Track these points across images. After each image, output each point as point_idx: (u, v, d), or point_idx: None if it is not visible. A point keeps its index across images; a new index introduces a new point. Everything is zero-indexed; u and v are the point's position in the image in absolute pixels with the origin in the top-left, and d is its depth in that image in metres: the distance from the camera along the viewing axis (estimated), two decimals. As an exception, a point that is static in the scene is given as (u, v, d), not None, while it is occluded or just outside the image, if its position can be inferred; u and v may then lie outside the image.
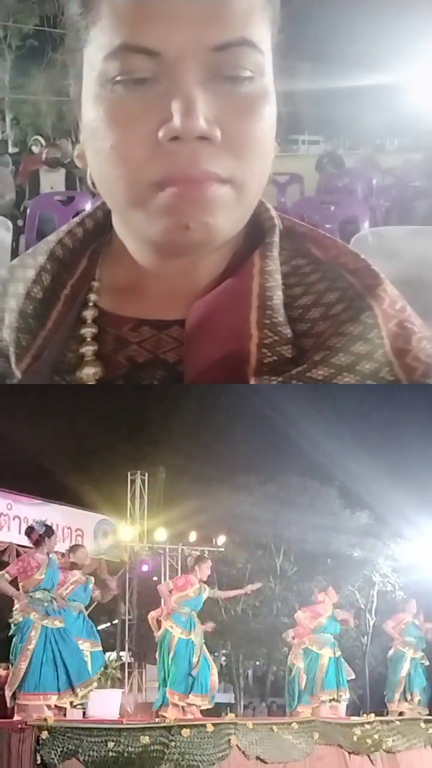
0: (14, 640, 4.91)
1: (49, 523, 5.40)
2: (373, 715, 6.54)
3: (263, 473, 10.31)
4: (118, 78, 1.20)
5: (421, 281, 3.27)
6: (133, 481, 9.45)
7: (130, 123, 1.20)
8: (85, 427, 9.75)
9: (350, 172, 12.08)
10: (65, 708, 5.02)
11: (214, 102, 1.19)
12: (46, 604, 4.99)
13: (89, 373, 1.35)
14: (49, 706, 4.85)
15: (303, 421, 8.95)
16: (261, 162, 1.26)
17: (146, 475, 9.50)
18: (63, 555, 5.92)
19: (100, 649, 5.88)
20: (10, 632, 4.97)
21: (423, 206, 8.51)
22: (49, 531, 5.23)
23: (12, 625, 4.96)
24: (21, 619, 4.93)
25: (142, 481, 9.45)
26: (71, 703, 5.02)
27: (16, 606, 4.98)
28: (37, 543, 5.14)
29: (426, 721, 6.71)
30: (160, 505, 9.43)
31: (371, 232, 4.26)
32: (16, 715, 4.74)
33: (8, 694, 4.84)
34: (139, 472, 9.48)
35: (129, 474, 9.47)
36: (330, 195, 9.75)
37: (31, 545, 5.21)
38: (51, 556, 5.14)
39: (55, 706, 4.90)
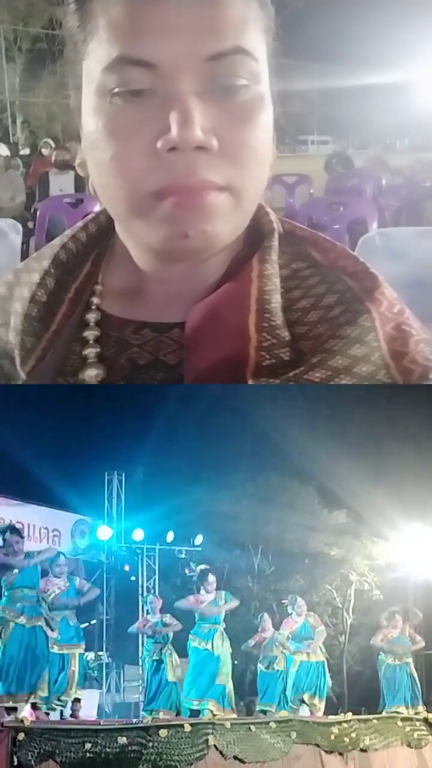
0: None
1: (19, 525, 5.44)
2: (350, 713, 6.56)
3: (242, 472, 10.32)
4: (116, 90, 1.22)
5: (428, 282, 3.29)
6: (110, 481, 9.44)
7: (129, 134, 1.22)
8: (61, 428, 9.71)
9: (359, 172, 12.11)
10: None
11: (210, 111, 1.21)
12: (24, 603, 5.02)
13: (91, 375, 1.37)
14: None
15: (282, 420, 8.97)
16: (258, 168, 1.29)
17: (123, 474, 9.50)
18: None
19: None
20: None
21: (433, 207, 8.53)
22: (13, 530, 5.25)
23: None
24: None
25: (120, 481, 9.44)
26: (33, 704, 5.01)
27: None
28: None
29: (403, 719, 6.74)
30: (137, 504, 9.42)
31: (378, 233, 4.28)
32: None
33: None
34: (116, 471, 9.47)
35: (106, 474, 9.46)
36: (339, 195, 9.76)
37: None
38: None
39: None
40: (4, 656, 4.90)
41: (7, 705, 4.78)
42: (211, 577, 6.30)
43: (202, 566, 6.58)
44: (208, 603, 6.17)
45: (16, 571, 5.07)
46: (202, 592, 6.25)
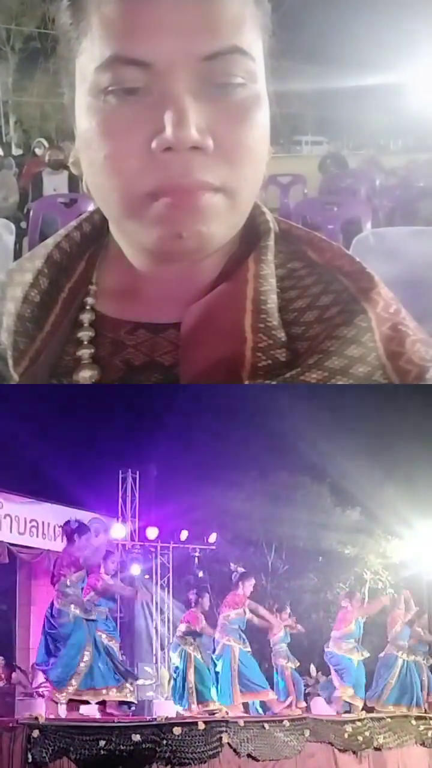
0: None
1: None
2: (364, 712, 6.56)
3: (255, 470, 10.30)
4: (110, 88, 1.21)
5: (422, 282, 3.28)
6: (124, 479, 9.42)
7: (123, 134, 1.21)
8: (76, 426, 9.74)
9: (353, 172, 12.11)
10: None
11: (205, 111, 1.20)
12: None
13: (86, 376, 1.35)
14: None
15: (295, 419, 8.95)
16: (254, 168, 1.27)
17: (137, 473, 9.48)
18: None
19: None
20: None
21: (427, 207, 8.52)
22: (81, 528, 5.48)
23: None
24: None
25: (134, 479, 9.43)
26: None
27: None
28: (70, 539, 5.38)
29: (417, 718, 6.73)
30: (151, 503, 9.41)
31: (372, 233, 4.28)
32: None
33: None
34: (130, 470, 9.46)
35: (120, 472, 9.45)
36: (333, 196, 9.76)
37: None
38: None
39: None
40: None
41: None
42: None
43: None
44: None
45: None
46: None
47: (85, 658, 5.27)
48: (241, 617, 6.45)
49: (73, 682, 5.21)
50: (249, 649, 6.41)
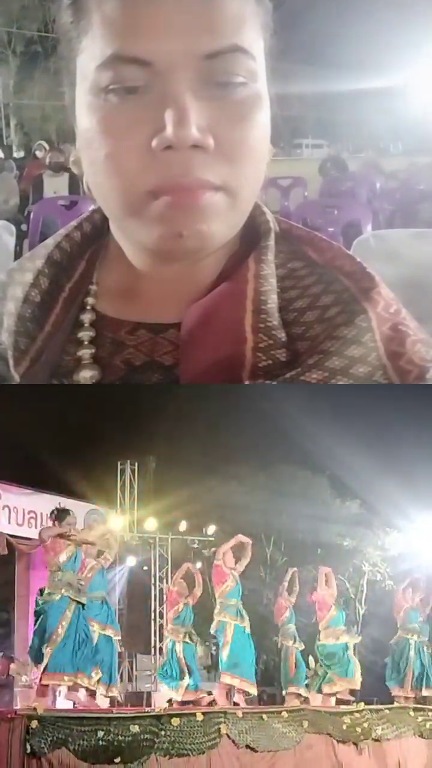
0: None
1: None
2: (362, 703, 6.56)
3: (254, 463, 10.32)
4: (111, 87, 1.21)
5: (422, 284, 3.28)
6: (123, 471, 9.44)
7: (124, 132, 1.21)
8: (75, 419, 9.73)
9: (353, 175, 12.09)
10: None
11: (206, 109, 1.20)
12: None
13: (86, 376, 1.35)
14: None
15: (295, 412, 8.95)
16: (255, 168, 1.27)
17: (136, 464, 9.50)
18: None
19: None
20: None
21: (427, 209, 8.51)
22: (61, 514, 5.45)
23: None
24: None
25: (132, 470, 9.44)
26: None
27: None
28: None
29: (415, 710, 6.73)
30: (150, 494, 9.42)
31: (373, 235, 4.28)
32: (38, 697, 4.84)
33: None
34: (129, 461, 9.47)
35: (119, 463, 9.46)
36: (333, 198, 9.78)
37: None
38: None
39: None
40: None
41: None
42: None
43: None
44: None
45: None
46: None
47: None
48: (234, 587, 6.40)
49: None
50: (246, 626, 6.32)
